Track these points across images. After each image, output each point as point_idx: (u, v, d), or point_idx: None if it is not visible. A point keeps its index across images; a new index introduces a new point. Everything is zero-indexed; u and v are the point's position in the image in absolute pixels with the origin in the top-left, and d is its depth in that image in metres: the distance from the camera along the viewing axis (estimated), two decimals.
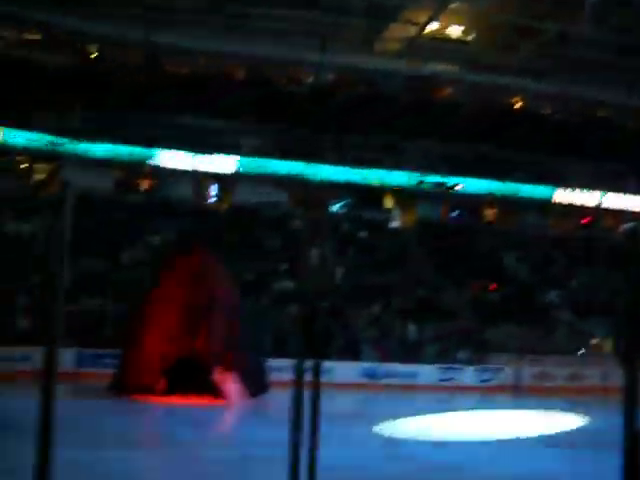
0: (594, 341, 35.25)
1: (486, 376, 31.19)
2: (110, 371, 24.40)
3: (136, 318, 23.97)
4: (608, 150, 42.56)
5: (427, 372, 30.59)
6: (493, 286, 37.96)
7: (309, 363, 4.38)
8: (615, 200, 44.83)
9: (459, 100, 44.71)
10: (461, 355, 31.89)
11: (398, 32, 41.65)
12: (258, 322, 25.56)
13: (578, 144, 43.09)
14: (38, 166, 39.37)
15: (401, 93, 43.00)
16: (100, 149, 37.88)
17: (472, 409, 25.67)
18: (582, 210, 45.16)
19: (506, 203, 44.16)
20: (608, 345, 34.81)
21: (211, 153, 39.13)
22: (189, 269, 23.16)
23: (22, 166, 39.47)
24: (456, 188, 42.06)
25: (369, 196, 42.65)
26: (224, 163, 39.68)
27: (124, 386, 22.78)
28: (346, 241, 38.16)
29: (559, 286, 39.22)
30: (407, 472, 13.42)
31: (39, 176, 39.11)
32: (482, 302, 36.23)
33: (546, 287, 38.86)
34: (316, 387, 4.21)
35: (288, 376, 20.48)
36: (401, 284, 36.10)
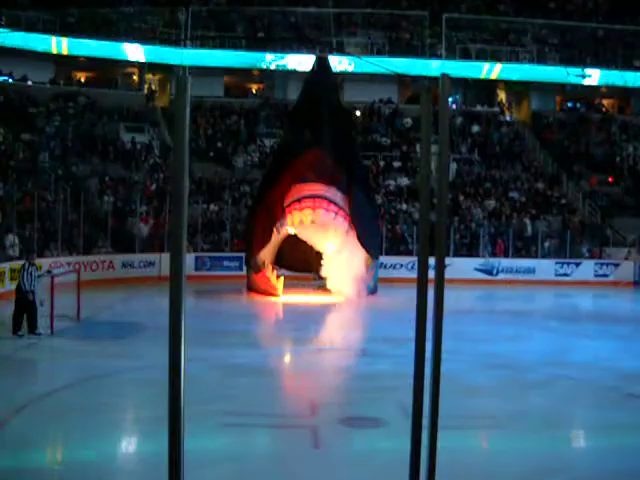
0: None
1: (604, 271, 30.50)
2: (228, 274, 25.49)
3: (251, 221, 24.78)
4: None
5: (544, 267, 30.23)
6: (611, 179, 36.67)
7: (431, 259, 4.37)
8: None
9: None
10: (579, 249, 31.19)
11: None
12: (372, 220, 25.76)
13: None
14: (148, 77, 39.92)
15: None
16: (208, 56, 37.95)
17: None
18: None
19: (622, 92, 42.05)
20: None
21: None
22: (305, 166, 23.25)
23: (134, 77, 40.10)
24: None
25: (481, 90, 41.56)
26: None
27: (252, 286, 24.47)
28: (459, 136, 37.41)
29: None
30: None
31: (150, 87, 39.68)
32: (601, 195, 35.12)
33: None
34: (440, 283, 4.21)
35: (401, 273, 20.74)
36: (517, 178, 35.37)
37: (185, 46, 37.56)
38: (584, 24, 40.74)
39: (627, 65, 40.29)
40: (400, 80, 40.15)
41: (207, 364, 13.01)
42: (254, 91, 41.62)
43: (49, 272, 18.82)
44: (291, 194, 23.03)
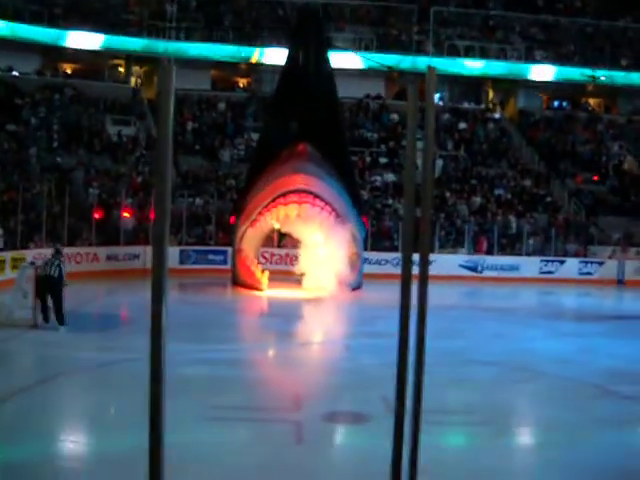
0: None
1: (588, 269, 30.65)
2: (212, 267, 25.51)
3: (238, 212, 24.70)
4: None
5: (528, 264, 30.35)
6: (596, 177, 36.81)
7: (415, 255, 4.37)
8: None
9: None
10: (563, 247, 31.34)
11: None
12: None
13: None
14: (135, 69, 39.73)
15: None
16: (196, 48, 37.85)
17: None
18: None
19: (608, 91, 42.22)
20: None
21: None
22: (292, 159, 23.12)
23: (120, 69, 39.90)
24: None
25: (468, 87, 41.63)
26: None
27: (237, 280, 24.49)
28: (445, 132, 37.46)
29: None
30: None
31: (136, 79, 39.51)
32: (586, 193, 35.26)
33: None
34: (424, 279, 4.21)
35: (385, 269, 20.76)
36: (503, 175, 35.48)
37: (171, 38, 37.49)
38: (573, 19, 40.99)
39: (615, 64, 40.53)
40: (387, 76, 40.14)
41: (190, 358, 12.99)
42: (241, 85, 41.49)
43: (32, 264, 18.70)
44: (276, 187, 22.97)
